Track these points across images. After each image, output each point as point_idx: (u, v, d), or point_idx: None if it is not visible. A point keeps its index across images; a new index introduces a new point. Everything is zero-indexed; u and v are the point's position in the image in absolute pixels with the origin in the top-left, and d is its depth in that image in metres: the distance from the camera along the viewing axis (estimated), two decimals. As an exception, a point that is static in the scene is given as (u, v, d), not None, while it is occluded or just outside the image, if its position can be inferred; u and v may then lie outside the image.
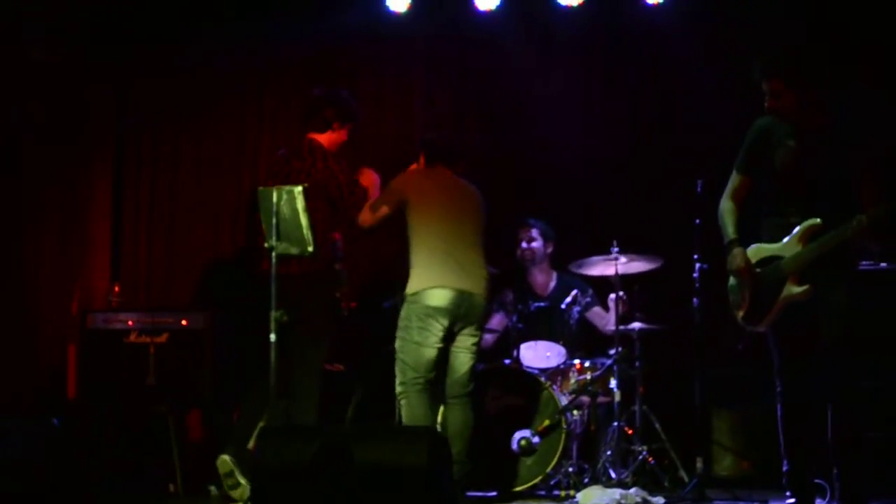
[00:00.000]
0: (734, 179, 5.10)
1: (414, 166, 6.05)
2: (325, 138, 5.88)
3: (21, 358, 6.57)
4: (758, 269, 4.95)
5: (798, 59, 4.90)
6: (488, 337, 6.97)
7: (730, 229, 5.04)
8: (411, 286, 5.73)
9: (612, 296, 6.46)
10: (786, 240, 4.88)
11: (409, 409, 5.65)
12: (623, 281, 6.33)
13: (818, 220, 4.79)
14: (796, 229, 4.85)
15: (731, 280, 5.06)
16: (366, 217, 5.82)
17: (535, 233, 6.95)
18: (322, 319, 5.75)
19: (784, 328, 4.92)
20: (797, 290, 4.83)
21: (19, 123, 6.62)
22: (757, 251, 4.98)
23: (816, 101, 4.88)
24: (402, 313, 5.75)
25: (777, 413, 4.98)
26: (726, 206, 5.09)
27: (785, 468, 4.98)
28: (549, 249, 6.98)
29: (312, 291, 5.66)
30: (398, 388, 5.71)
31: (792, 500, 4.96)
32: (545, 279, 7.00)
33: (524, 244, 6.96)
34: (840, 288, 4.80)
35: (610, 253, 6.28)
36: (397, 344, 5.74)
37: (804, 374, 4.90)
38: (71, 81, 7.03)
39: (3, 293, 6.54)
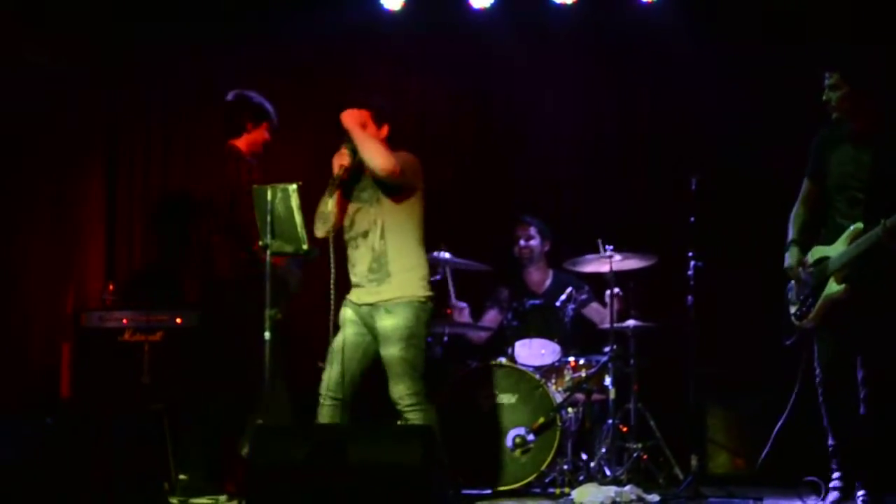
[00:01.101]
0: (804, 186, 5.39)
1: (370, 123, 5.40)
2: (242, 142, 5.95)
3: (15, 357, 6.55)
4: (810, 269, 5.19)
5: (859, 57, 5.26)
6: (482, 334, 6.98)
7: (792, 231, 5.35)
8: (424, 289, 5.28)
9: (609, 292, 6.49)
10: (837, 241, 5.10)
11: (428, 420, 5.19)
12: (618, 278, 6.33)
13: (861, 224, 5.01)
14: (846, 232, 5.06)
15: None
16: (395, 169, 5.22)
17: (532, 231, 6.95)
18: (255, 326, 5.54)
19: (827, 326, 5.18)
20: (836, 288, 5.06)
21: (14, 123, 6.61)
22: (813, 252, 5.22)
23: (872, 103, 5.12)
24: (415, 317, 5.22)
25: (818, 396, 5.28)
26: (796, 210, 5.38)
27: (830, 443, 5.23)
28: (546, 247, 6.99)
29: (240, 296, 5.65)
30: (414, 399, 5.19)
31: (838, 475, 5.19)
32: (541, 277, 7.00)
33: (522, 242, 6.96)
34: (878, 290, 5.02)
35: (604, 250, 6.29)
36: (409, 353, 5.20)
37: (842, 373, 5.17)
38: (64, 81, 7.02)
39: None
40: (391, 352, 5.21)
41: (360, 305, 5.30)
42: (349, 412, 5.29)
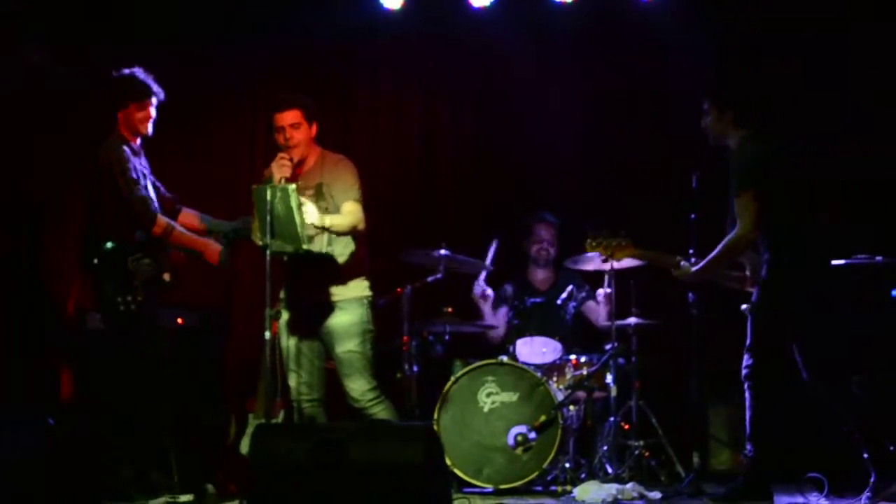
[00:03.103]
0: None
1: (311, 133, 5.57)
2: (121, 122, 5.64)
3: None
4: None
5: (719, 81, 5.54)
6: (500, 332, 6.95)
7: None
8: (369, 288, 5.62)
9: (601, 291, 6.51)
10: None
11: (389, 410, 5.56)
12: (619, 276, 6.33)
13: None
14: None
15: None
16: (363, 223, 5.55)
17: (554, 232, 6.95)
18: (117, 333, 5.56)
19: None
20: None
21: (18, 127, 6.62)
22: None
23: (735, 128, 5.37)
24: (368, 315, 5.56)
25: None
26: None
27: None
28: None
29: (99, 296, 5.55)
30: (375, 393, 5.53)
31: None
32: (547, 276, 6.99)
33: (545, 243, 6.94)
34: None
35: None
36: (367, 347, 5.55)
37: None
38: (67, 84, 7.02)
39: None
40: (349, 347, 5.46)
41: (301, 306, 5.51)
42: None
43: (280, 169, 5.33)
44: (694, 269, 5.43)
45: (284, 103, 5.50)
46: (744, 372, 5.32)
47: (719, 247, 5.32)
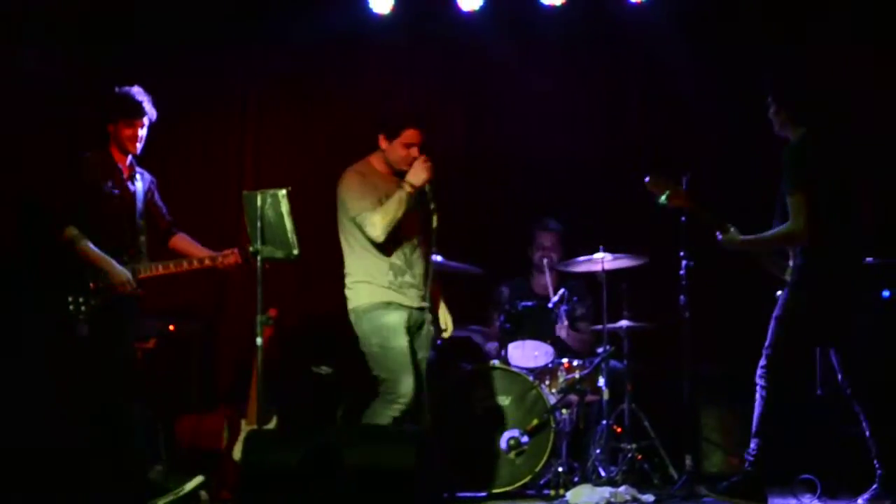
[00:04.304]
0: None
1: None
2: (111, 136, 5.70)
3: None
4: None
5: (779, 78, 5.46)
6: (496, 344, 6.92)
7: None
8: None
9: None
10: None
11: None
12: (609, 278, 6.33)
13: None
14: None
15: None
16: None
17: (558, 238, 6.93)
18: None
19: None
20: None
21: (15, 130, 6.61)
22: None
23: (788, 121, 5.37)
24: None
25: None
26: None
27: None
28: None
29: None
30: None
31: None
32: (551, 281, 6.95)
33: (549, 251, 6.91)
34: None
35: (596, 251, 6.30)
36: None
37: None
38: (60, 89, 7.00)
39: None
40: (427, 355, 5.52)
41: (413, 308, 5.49)
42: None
43: (428, 171, 5.38)
44: (742, 238, 5.36)
45: (422, 121, 5.60)
46: (759, 371, 5.27)
47: (772, 232, 5.30)
